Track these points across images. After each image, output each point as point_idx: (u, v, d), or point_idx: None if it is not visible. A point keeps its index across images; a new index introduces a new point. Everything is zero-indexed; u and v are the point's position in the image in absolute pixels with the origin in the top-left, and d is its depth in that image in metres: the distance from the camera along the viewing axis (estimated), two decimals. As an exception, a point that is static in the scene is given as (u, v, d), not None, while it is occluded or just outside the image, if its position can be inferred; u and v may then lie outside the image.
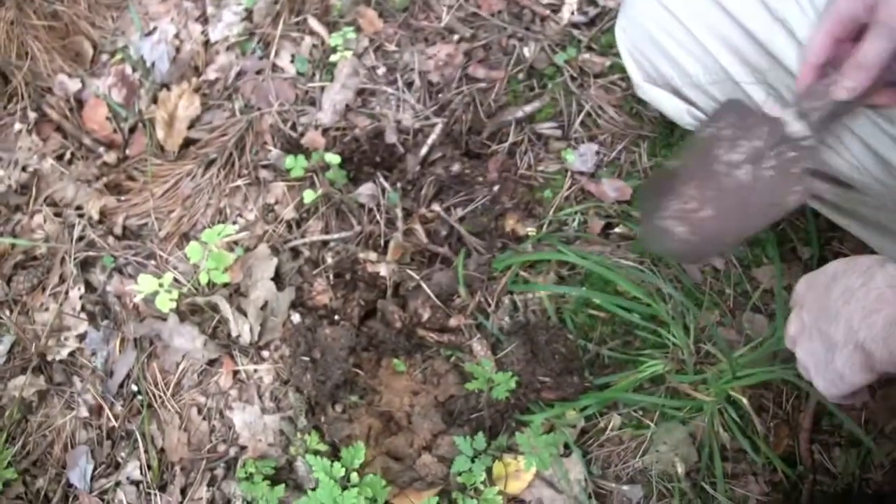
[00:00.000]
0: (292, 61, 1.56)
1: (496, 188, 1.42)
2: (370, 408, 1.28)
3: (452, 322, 1.32)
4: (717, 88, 1.05)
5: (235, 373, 1.32)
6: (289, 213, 1.43)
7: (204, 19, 1.61)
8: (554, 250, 1.34)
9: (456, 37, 1.57)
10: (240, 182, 1.46)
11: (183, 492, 1.26)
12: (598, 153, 1.44)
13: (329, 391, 1.26)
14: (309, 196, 1.39)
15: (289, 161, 1.42)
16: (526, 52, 1.53)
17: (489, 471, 1.23)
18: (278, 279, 1.37)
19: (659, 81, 1.05)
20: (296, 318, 1.33)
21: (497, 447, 1.24)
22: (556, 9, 1.58)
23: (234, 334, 1.33)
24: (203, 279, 1.30)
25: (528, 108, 1.47)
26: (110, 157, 1.52)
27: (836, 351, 0.75)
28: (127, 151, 1.54)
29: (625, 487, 1.23)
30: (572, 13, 1.56)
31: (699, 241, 0.91)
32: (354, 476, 1.19)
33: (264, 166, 1.48)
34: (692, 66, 1.04)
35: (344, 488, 1.16)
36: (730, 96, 1.05)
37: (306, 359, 1.28)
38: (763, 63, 0.97)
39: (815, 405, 1.24)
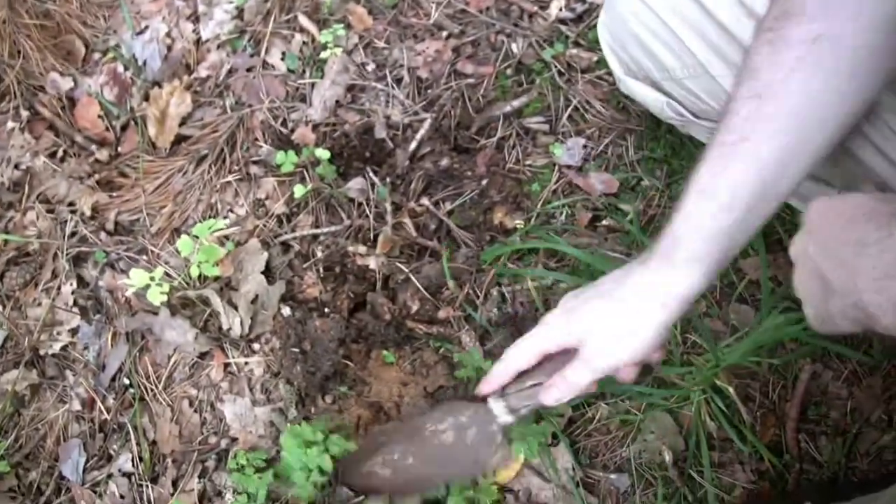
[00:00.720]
0: (283, 58, 1.57)
1: (484, 182, 1.44)
2: (360, 399, 1.29)
3: (441, 314, 1.33)
4: (694, 83, 1.06)
5: (226, 365, 1.33)
6: (279, 207, 1.44)
7: (195, 18, 1.63)
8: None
9: (445, 33, 1.58)
10: (230, 178, 1.47)
11: (174, 483, 1.27)
12: (585, 147, 1.45)
13: (319, 382, 1.27)
14: (299, 191, 1.40)
15: (279, 157, 1.43)
16: (514, 47, 1.55)
17: (478, 460, 1.23)
18: (269, 273, 1.38)
19: (639, 75, 1.06)
20: (286, 311, 1.34)
21: (486, 437, 1.25)
22: (543, 5, 1.59)
23: (224, 327, 1.34)
24: (194, 273, 1.31)
25: (516, 103, 1.49)
26: (102, 154, 1.53)
27: (832, 297, 0.67)
28: (119, 148, 1.55)
29: (612, 476, 1.23)
30: (560, 9, 1.58)
31: (401, 482, 1.08)
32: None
33: (255, 162, 1.49)
34: (669, 60, 1.04)
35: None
36: (706, 91, 1.06)
37: (296, 351, 1.29)
38: (737, 58, 0.98)
39: (801, 395, 1.25)
